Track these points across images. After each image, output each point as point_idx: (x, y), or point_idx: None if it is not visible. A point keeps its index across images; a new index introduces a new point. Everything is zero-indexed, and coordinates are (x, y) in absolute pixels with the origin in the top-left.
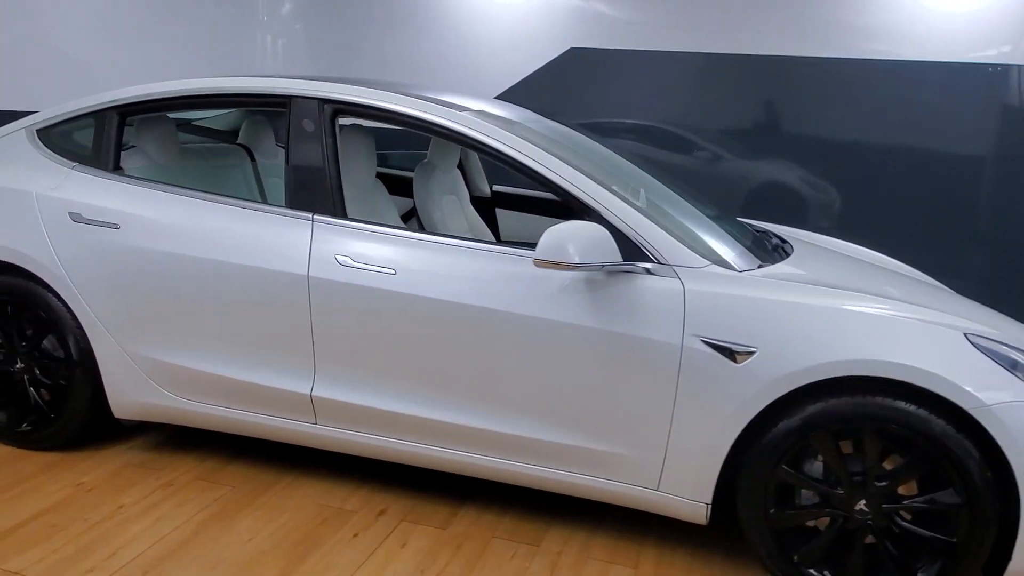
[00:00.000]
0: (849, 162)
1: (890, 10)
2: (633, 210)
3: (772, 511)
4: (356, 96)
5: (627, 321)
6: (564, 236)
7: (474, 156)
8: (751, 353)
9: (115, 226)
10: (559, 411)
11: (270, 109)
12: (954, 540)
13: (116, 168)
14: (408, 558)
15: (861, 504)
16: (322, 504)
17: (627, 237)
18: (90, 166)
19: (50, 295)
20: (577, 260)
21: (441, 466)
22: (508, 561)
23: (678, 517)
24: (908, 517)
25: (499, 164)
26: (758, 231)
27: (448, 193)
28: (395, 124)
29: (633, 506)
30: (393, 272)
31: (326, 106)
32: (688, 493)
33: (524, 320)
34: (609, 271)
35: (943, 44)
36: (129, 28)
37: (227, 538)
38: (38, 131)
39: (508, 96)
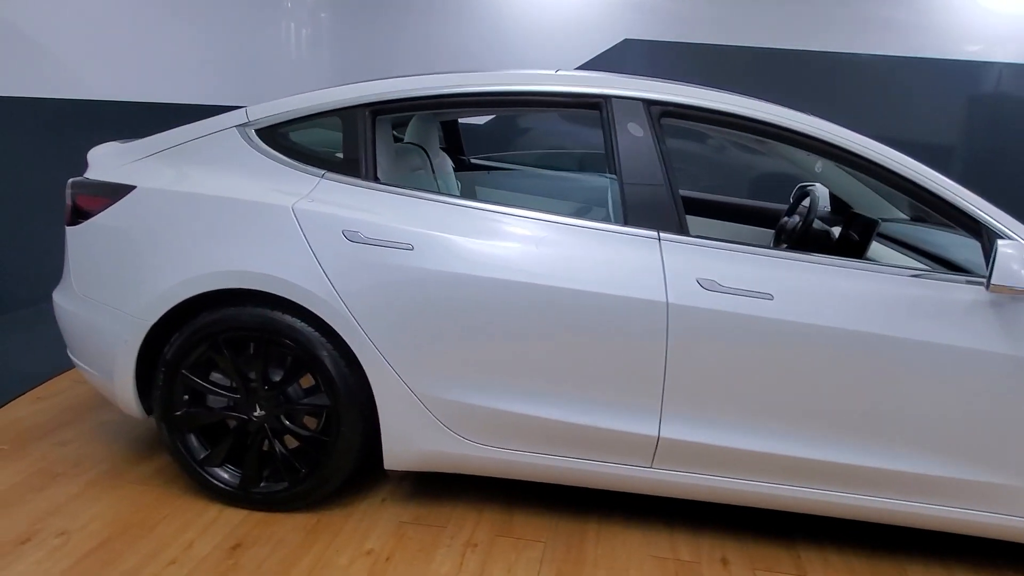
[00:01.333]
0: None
1: None
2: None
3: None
4: (688, 98)
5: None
6: (1018, 259)
7: None
8: None
9: (407, 246)
10: (959, 444)
11: (565, 111)
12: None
13: (376, 177)
14: None
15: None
16: (654, 555)
17: None
18: (343, 174)
19: (310, 328)
20: None
21: (809, 508)
22: None
23: None
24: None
25: (858, 171)
26: None
27: None
28: (731, 128)
29: (1007, 538)
30: (771, 297)
31: (652, 108)
32: None
33: (928, 347)
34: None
35: None
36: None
37: None
38: (258, 131)
39: None
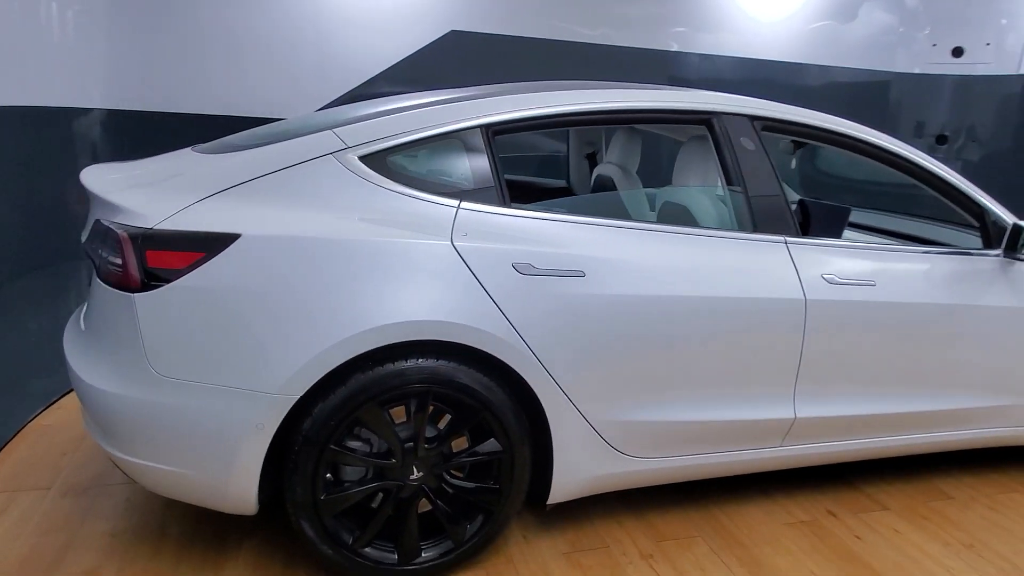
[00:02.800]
0: None
1: None
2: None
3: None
4: (781, 114)
5: None
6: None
7: None
8: None
9: (580, 274)
10: (995, 380)
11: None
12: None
13: (509, 202)
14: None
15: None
16: (783, 522)
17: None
18: (478, 202)
19: (478, 374)
20: None
21: (892, 452)
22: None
23: None
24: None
25: (901, 170)
26: None
27: None
28: (816, 140)
29: (1016, 444)
30: (873, 284)
31: (755, 123)
32: None
33: (969, 309)
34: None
35: None
36: None
37: None
38: (362, 158)
39: (386, 77)
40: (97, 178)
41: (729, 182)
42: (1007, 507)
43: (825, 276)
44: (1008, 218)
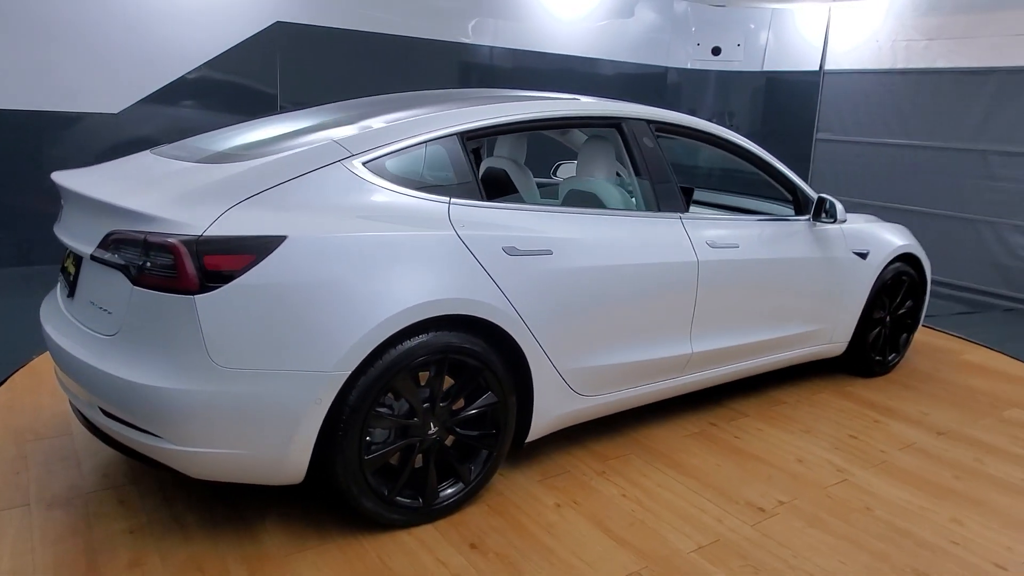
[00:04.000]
0: None
1: None
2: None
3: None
4: (670, 118)
5: (829, 249)
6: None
7: None
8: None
9: (548, 252)
10: (808, 311)
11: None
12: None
13: (485, 196)
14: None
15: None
16: (689, 433)
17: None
18: (462, 197)
19: (478, 339)
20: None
21: (746, 373)
22: None
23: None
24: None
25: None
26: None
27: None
28: (687, 137)
29: (821, 357)
30: (738, 246)
31: (650, 125)
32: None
33: (795, 261)
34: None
35: None
36: None
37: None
38: (365, 164)
39: (210, 67)
40: (95, 185)
41: (637, 172)
42: (821, 404)
43: (708, 242)
44: (811, 193)
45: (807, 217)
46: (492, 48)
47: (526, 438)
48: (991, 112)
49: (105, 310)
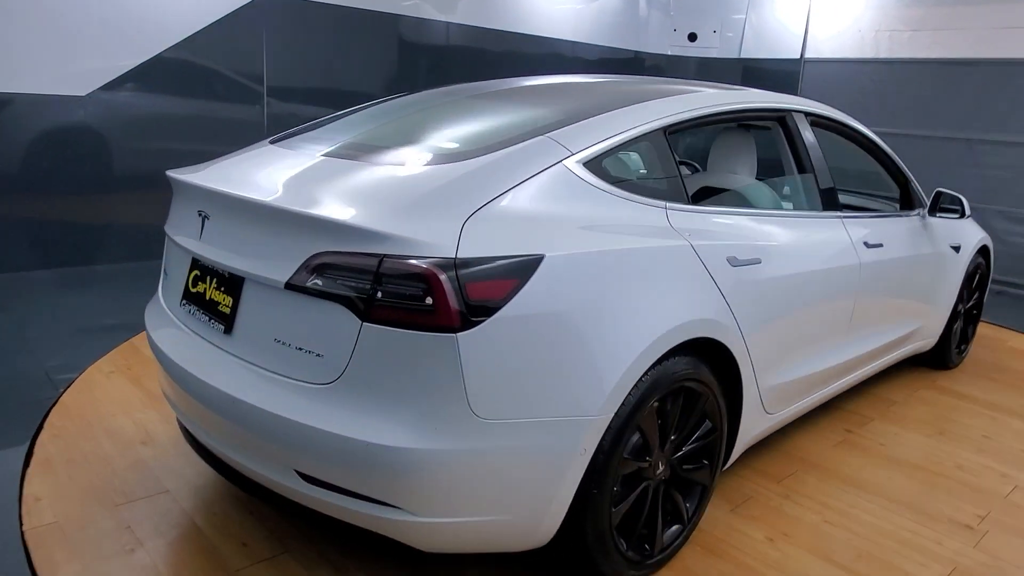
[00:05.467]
0: None
1: None
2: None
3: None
4: (825, 112)
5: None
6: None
7: None
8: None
9: (758, 261)
10: (919, 307)
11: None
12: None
13: (691, 198)
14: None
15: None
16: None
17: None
18: (674, 201)
19: (703, 363)
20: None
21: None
22: None
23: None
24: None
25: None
26: None
27: None
28: (835, 132)
29: (918, 352)
30: (882, 245)
31: (808, 118)
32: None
33: (920, 257)
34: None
35: None
36: None
37: None
38: (585, 164)
39: (186, 47)
40: (261, 190)
41: (801, 169)
42: (930, 401)
43: (864, 243)
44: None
45: (917, 211)
46: (449, 24)
47: (724, 466)
48: (978, 102)
49: (311, 352)
